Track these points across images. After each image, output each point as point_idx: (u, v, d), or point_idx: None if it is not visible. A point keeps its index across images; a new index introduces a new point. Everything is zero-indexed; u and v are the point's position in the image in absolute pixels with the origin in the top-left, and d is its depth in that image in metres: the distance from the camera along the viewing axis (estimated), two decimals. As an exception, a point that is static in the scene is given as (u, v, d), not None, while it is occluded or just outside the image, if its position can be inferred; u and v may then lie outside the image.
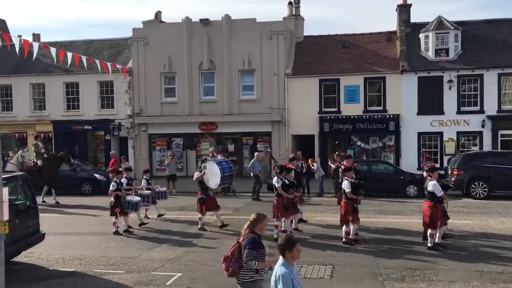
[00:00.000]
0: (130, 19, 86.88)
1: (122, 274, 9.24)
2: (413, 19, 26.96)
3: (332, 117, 25.11)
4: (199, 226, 13.18)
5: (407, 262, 9.75)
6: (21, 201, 9.95)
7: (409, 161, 24.04)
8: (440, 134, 24.40)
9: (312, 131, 25.40)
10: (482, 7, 79.66)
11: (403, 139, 24.64)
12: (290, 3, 28.15)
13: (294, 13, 27.97)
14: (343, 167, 13.08)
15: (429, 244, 10.62)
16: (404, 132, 24.56)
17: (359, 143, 25.46)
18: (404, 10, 26.90)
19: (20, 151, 18.69)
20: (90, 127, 27.75)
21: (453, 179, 19.38)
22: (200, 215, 13.25)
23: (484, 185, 18.65)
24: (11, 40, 15.66)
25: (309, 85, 25.34)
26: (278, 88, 25.72)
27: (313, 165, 19.78)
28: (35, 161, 18.71)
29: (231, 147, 26.84)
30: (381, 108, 24.90)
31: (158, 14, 28.70)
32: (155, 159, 27.46)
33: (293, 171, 12.98)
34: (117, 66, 21.38)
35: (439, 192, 10.55)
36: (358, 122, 24.79)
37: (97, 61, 18.50)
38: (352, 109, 24.95)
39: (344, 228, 11.32)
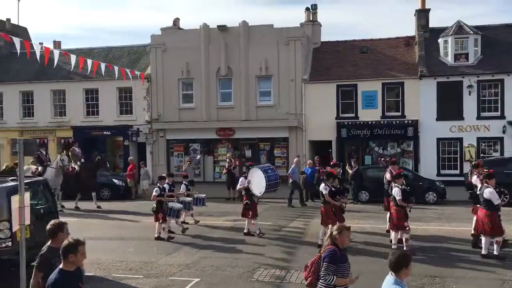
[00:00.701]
0: (149, 26, 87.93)
1: (140, 279, 9.31)
2: (431, 24, 26.76)
3: (350, 123, 24.97)
4: (257, 232, 13.01)
5: (427, 269, 9.63)
6: (42, 206, 10.10)
7: (428, 167, 23.76)
8: (460, 140, 24.08)
9: (330, 137, 25.30)
10: (502, 12, 78.62)
11: (421, 145, 24.38)
12: (307, 8, 28.18)
13: (311, 19, 27.99)
14: (388, 174, 12.87)
15: (495, 253, 10.27)
16: (422, 138, 24.30)
17: (377, 149, 25.26)
18: (422, 15, 26.69)
19: (59, 155, 18.92)
20: (109, 133, 28.06)
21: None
22: (252, 221, 13.10)
23: (506, 192, 18.31)
24: (32, 47, 16.01)
25: (326, 90, 25.27)
26: (295, 93, 25.71)
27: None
28: (73, 166, 18.92)
29: (248, 153, 26.88)
30: (399, 113, 24.68)
31: (176, 21, 28.98)
32: (173, 165, 27.62)
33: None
34: (136, 72, 21.65)
35: (497, 200, 10.31)
36: (376, 128, 24.61)
37: (116, 68, 18.80)
38: (369, 114, 24.79)
39: (400, 234, 11.11)
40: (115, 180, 22.47)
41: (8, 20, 34.15)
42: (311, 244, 12.09)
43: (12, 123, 29.21)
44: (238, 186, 13.58)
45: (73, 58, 16.78)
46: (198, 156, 27.21)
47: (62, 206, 18.59)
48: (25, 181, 7.61)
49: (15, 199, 7.26)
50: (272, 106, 26.04)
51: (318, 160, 20.93)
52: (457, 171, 23.81)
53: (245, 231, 13.15)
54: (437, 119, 24.10)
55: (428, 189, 19.34)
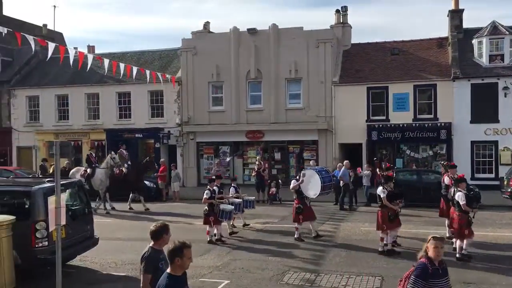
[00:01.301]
0: (180, 30, 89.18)
1: (171, 280, 9.41)
2: (465, 25, 26.16)
3: (381, 126, 24.66)
4: (295, 236, 12.78)
5: (462, 275, 9.41)
6: (77, 207, 10.36)
7: (462, 171, 22.98)
8: (495, 143, 23.44)
9: (360, 140, 25.04)
10: (540, 10, 76.06)
11: (455, 148, 23.84)
12: (337, 11, 27.96)
13: (341, 21, 27.76)
14: (447, 179, 12.42)
15: None
16: (456, 140, 23.76)
17: (408, 152, 24.85)
18: (456, 15, 26.13)
19: (109, 155, 19.11)
20: (141, 135, 28.50)
21: (509, 190, 18.60)
22: (296, 225, 12.87)
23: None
24: (67, 52, 16.45)
25: (357, 93, 25.03)
26: (325, 96, 25.57)
27: (359, 173, 19.59)
28: (121, 168, 19.13)
29: (277, 156, 26.87)
30: (432, 116, 24.22)
31: (206, 25, 29.23)
32: (203, 167, 27.86)
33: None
34: (167, 76, 21.96)
35: None
36: (407, 131, 24.22)
37: (148, 72, 19.13)
38: (401, 117, 24.42)
39: (458, 242, 10.76)
40: (146, 182, 22.74)
41: (45, 25, 35.22)
42: (341, 247, 11.99)
43: (48, 125, 30.05)
44: (292, 187, 13.19)
45: (106, 62, 17.19)
46: (228, 159, 27.33)
47: (113, 208, 18.75)
48: (61, 182, 7.85)
49: (51, 200, 7.50)
50: (301, 109, 25.96)
51: (348, 164, 20.72)
52: (492, 175, 23.19)
53: (313, 234, 12.88)
54: (471, 122, 23.54)
55: (461, 193, 18.87)
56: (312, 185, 12.71)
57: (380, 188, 11.49)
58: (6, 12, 35.59)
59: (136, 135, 28.48)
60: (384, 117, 24.83)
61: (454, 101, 23.72)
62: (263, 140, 26.69)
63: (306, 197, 12.90)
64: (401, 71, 25.22)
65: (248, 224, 14.90)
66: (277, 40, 26.24)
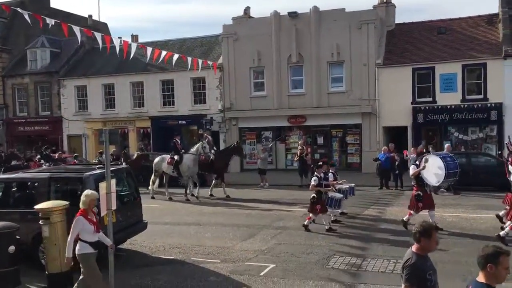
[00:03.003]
0: (221, 16, 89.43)
1: (218, 263, 9.60)
2: (517, -1, 24.89)
3: (427, 108, 23.98)
4: (436, 223, 11.27)
5: None
6: (125, 192, 10.67)
7: (514, 153, 22.27)
8: (550, 123, 22.35)
9: (405, 123, 24.47)
10: None
11: (506, 129, 22.78)
12: (381, -10, 27.21)
13: (385, 1, 27.02)
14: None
15: None
16: (508, 122, 22.76)
17: (456, 134, 24.09)
18: (507, -10, 24.89)
19: (201, 142, 19.02)
20: (184, 122, 28.90)
21: None
22: (411, 212, 11.83)
23: None
24: (112, 42, 16.82)
25: (401, 74, 24.39)
26: (368, 79, 25.06)
27: (406, 156, 19.19)
28: (208, 155, 18.91)
29: (320, 140, 26.68)
30: (481, 96, 23.31)
31: (247, 10, 29.12)
32: (245, 153, 27.97)
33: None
34: (208, 62, 22.09)
35: None
36: (455, 112, 23.45)
37: (189, 59, 19.32)
38: (448, 98, 23.63)
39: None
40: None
41: (90, 16, 36.16)
42: (387, 232, 11.84)
43: (96, 114, 30.96)
44: (411, 173, 11.94)
45: (149, 50, 17.49)
46: (270, 144, 27.35)
47: (192, 195, 18.56)
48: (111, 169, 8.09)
49: (102, 186, 7.76)
50: (344, 92, 25.57)
51: (392, 147, 20.35)
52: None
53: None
54: (524, 102, 22.51)
55: (514, 177, 18.15)
56: (434, 172, 11.75)
57: None
58: (53, 4, 36.72)
59: (180, 122, 28.89)
60: (430, 99, 24.12)
61: (505, 81, 22.68)
62: (305, 125, 26.55)
63: (427, 184, 11.86)
64: (449, 50, 24.35)
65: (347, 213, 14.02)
66: (319, 23, 25.84)
